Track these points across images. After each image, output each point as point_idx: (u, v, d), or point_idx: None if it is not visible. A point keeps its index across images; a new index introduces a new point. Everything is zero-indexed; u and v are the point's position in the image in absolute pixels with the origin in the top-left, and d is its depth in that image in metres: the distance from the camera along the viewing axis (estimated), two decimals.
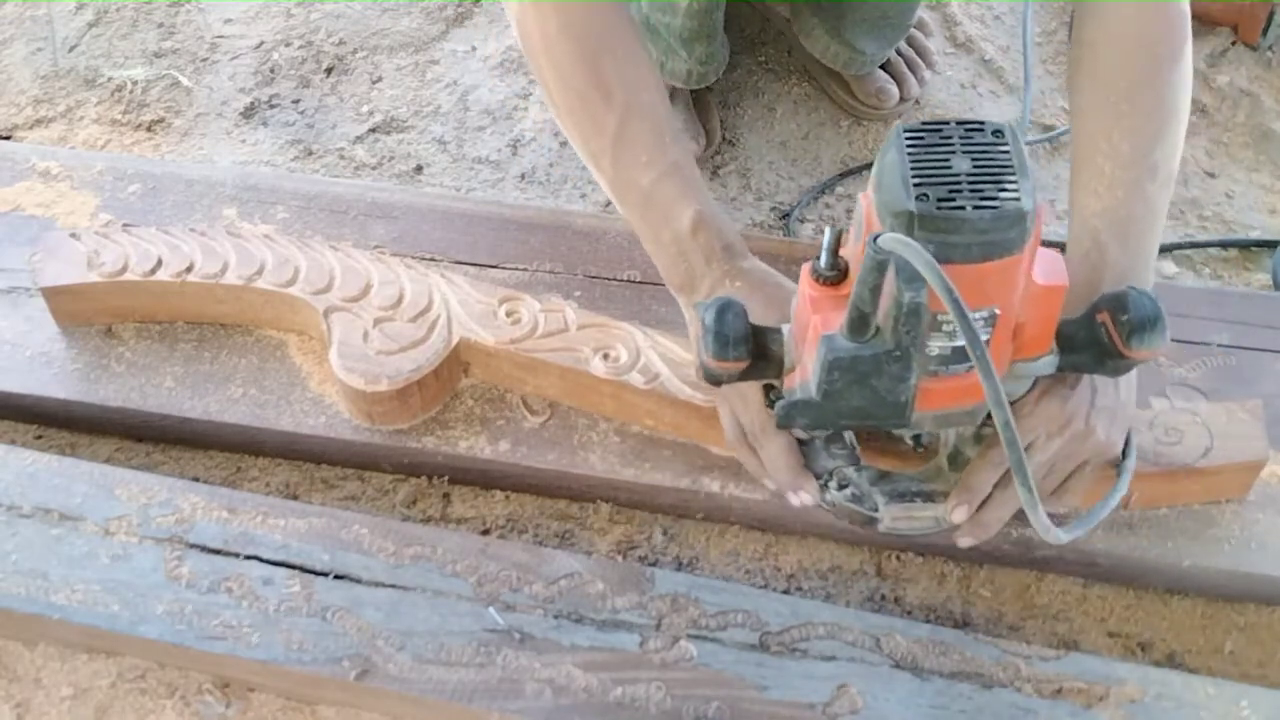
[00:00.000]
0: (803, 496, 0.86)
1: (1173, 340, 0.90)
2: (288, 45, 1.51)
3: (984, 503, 0.83)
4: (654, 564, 0.98)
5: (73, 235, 1.08)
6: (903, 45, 1.43)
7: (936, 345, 0.72)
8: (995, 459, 0.82)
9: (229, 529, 0.93)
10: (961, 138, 0.70)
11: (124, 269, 1.05)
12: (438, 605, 0.89)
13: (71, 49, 1.51)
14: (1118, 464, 0.88)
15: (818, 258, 0.75)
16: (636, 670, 0.86)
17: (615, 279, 1.11)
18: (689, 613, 0.89)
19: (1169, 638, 0.95)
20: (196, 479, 1.02)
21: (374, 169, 1.38)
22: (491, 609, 0.89)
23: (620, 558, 0.98)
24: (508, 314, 1.03)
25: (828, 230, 0.74)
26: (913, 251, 0.64)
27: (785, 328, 0.81)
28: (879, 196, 0.70)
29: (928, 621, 0.94)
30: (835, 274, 0.74)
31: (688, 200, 0.89)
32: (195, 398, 1.03)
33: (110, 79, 1.47)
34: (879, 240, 0.66)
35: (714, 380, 0.81)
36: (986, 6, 1.57)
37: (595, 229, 1.14)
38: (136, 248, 1.06)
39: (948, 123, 0.70)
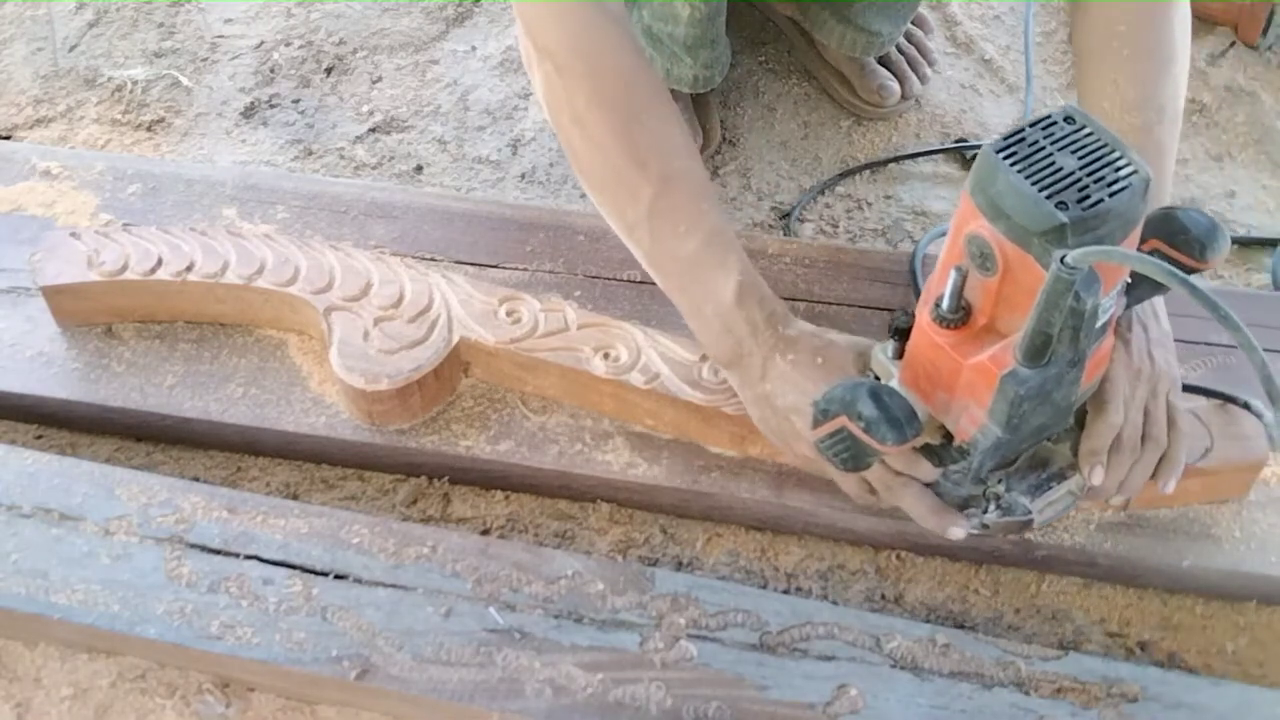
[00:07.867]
0: (954, 532, 0.85)
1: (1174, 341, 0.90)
2: (288, 45, 1.51)
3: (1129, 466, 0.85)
4: (654, 564, 0.98)
5: (73, 234, 1.08)
6: (904, 43, 1.43)
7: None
8: (1110, 415, 0.82)
9: (229, 529, 0.93)
10: (1046, 137, 0.70)
11: (124, 268, 1.05)
12: (438, 605, 0.89)
13: (71, 49, 1.51)
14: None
15: (937, 304, 0.75)
16: (636, 670, 0.86)
17: (615, 279, 1.11)
18: (689, 612, 0.89)
19: (1169, 638, 0.95)
20: (196, 479, 1.02)
21: (374, 169, 1.37)
22: (491, 609, 0.89)
23: (620, 557, 0.98)
24: (508, 313, 1.03)
25: (953, 273, 0.74)
26: (1119, 255, 0.64)
27: (893, 383, 0.81)
28: (1008, 224, 0.69)
29: (928, 621, 0.94)
30: (960, 315, 0.75)
31: (728, 270, 0.87)
32: (195, 398, 1.03)
33: (110, 79, 1.47)
34: (1067, 260, 0.64)
35: (867, 465, 0.81)
36: (986, 6, 1.57)
37: (595, 229, 1.14)
38: (136, 247, 1.06)
39: (1023, 130, 0.70)
